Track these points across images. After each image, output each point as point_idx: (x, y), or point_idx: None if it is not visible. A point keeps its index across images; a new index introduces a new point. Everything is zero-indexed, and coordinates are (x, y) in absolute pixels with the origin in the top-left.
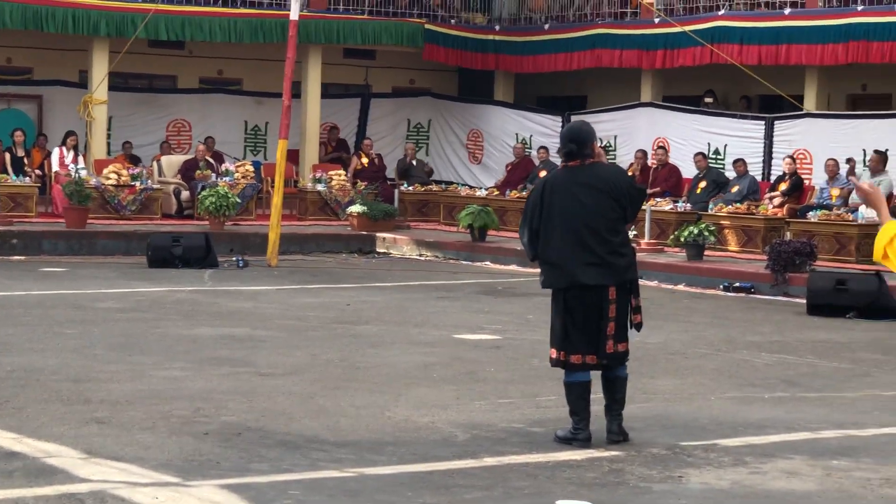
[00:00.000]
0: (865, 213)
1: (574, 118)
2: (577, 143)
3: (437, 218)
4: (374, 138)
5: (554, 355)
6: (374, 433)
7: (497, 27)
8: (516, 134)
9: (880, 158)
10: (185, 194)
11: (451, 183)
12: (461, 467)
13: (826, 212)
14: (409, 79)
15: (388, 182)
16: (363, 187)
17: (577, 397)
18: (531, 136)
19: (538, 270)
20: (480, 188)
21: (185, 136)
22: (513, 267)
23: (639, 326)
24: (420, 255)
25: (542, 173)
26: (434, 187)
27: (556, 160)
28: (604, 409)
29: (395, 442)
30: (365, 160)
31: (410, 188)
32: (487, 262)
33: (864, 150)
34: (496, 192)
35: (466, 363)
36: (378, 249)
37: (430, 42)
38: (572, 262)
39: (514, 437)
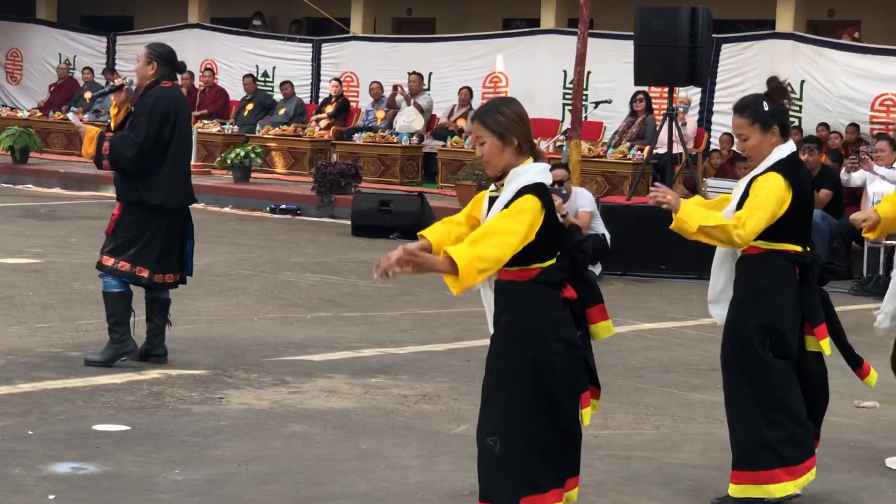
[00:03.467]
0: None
1: (120, 39)
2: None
3: None
4: None
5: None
6: None
7: None
8: (59, 54)
9: (418, 79)
10: None
11: None
12: None
13: (371, 134)
14: None
15: None
16: None
17: (127, 307)
18: (75, 56)
19: (83, 193)
20: (23, 109)
21: None
22: (56, 190)
23: None
24: None
25: (88, 94)
26: None
27: (101, 81)
28: (147, 332)
29: None
30: None
31: None
32: (30, 185)
33: (405, 74)
34: (39, 114)
35: (4, 288)
36: None
37: None
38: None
39: (51, 361)
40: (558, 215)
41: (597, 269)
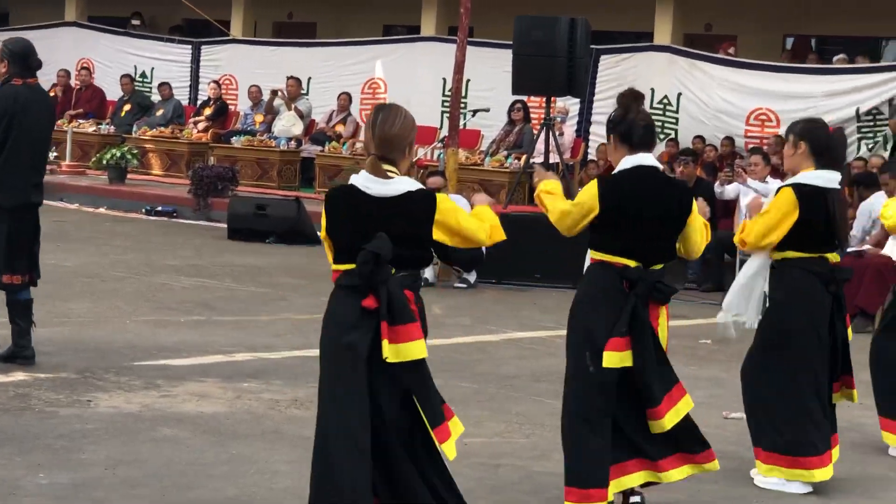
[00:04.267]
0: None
1: None
2: None
3: None
4: None
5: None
6: None
7: None
8: None
9: (297, 83)
10: None
11: None
12: None
13: (249, 137)
14: None
15: None
16: None
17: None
18: None
19: None
20: None
21: None
22: None
23: None
24: None
25: None
26: None
27: None
28: (12, 334)
29: None
30: None
31: None
32: None
33: (285, 78)
34: None
35: None
36: None
37: None
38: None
39: None
40: None
41: (472, 277)
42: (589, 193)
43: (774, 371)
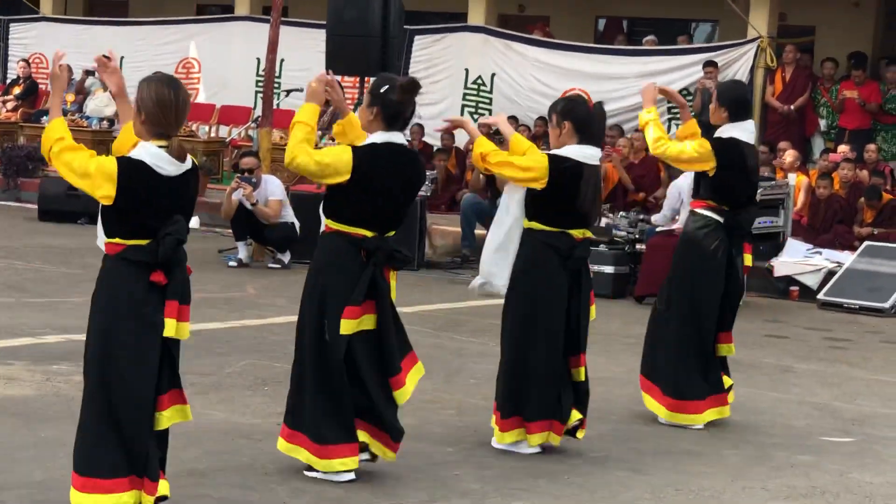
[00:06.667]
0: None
1: None
2: None
3: None
4: None
5: None
6: None
7: None
8: None
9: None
10: None
11: None
12: None
13: None
14: None
15: None
16: None
17: None
18: None
19: None
20: None
21: None
22: None
23: None
24: None
25: None
26: None
27: None
28: None
29: None
30: None
31: None
32: None
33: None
34: None
35: None
36: None
37: None
38: None
39: None
40: (247, 203)
41: (286, 258)
42: (343, 159)
43: (514, 338)
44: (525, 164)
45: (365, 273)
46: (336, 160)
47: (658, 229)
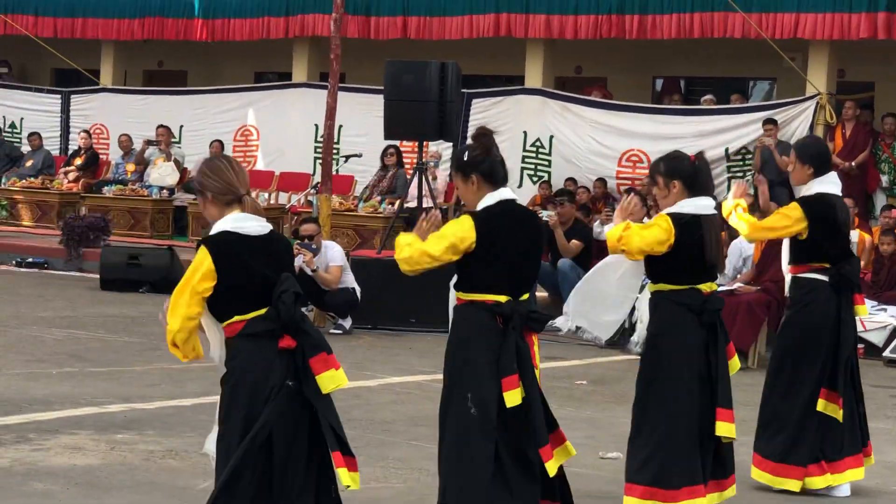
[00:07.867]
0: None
1: None
2: None
3: None
4: None
5: None
6: None
7: None
8: None
9: (167, 132)
10: None
11: None
12: None
13: (121, 186)
14: None
15: None
16: None
17: None
18: None
19: None
20: None
21: None
22: None
23: None
24: None
25: None
26: None
27: None
28: None
29: None
30: None
31: None
32: None
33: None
34: None
35: None
36: None
37: None
38: None
39: None
40: (308, 270)
41: (347, 323)
42: (459, 227)
43: (648, 404)
44: (651, 236)
45: (508, 340)
46: (455, 229)
47: (721, 289)
